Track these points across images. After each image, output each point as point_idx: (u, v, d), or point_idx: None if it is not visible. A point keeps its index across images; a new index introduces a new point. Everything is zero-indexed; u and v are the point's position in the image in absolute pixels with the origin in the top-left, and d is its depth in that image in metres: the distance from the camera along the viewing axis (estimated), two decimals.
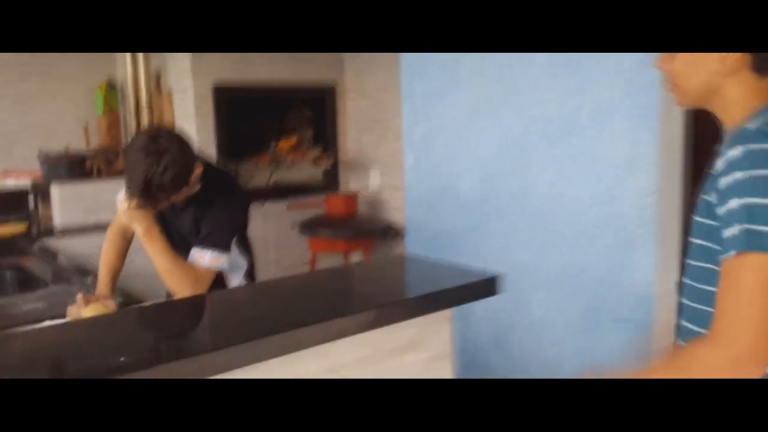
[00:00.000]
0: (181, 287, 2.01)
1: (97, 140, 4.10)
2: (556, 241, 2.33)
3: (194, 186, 2.07)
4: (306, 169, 4.25)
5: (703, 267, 1.20)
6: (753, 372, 1.04)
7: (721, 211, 1.09)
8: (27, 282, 2.70)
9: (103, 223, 3.45)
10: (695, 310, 1.24)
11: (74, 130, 4.04)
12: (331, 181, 4.36)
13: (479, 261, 2.99)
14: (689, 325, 1.26)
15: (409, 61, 2.87)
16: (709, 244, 1.16)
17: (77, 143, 3.86)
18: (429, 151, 2.69)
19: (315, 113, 4.40)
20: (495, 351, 2.59)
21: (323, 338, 1.18)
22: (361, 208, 4.13)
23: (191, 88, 3.75)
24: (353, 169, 4.39)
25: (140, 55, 3.78)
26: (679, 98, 1.28)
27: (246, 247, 2.36)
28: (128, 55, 3.80)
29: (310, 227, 3.95)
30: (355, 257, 4.26)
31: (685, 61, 1.21)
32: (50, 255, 3.02)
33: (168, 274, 2.01)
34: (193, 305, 1.45)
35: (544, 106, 2.29)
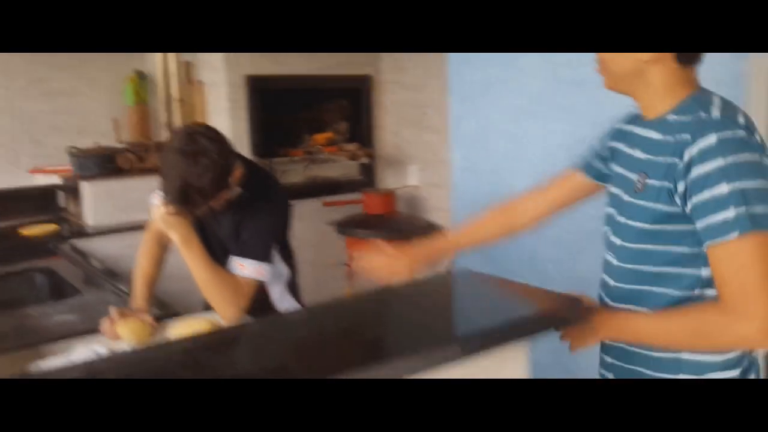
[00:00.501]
0: (221, 300, 1.87)
1: (127, 134, 3.97)
2: None
3: (234, 188, 1.92)
4: (341, 165, 4.09)
5: (635, 248, 1.26)
6: None
7: (700, 197, 1.11)
8: (58, 287, 2.58)
9: (136, 222, 3.32)
10: (628, 291, 1.29)
11: (104, 124, 3.91)
12: (367, 177, 4.20)
13: (533, 271, 2.82)
14: (618, 305, 1.32)
15: None
16: (653, 226, 1.21)
17: (107, 139, 3.73)
18: (479, 148, 2.51)
19: (351, 106, 4.23)
20: (558, 370, 2.41)
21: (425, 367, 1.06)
22: (399, 205, 3.96)
23: (224, 80, 3.60)
24: (390, 165, 4.22)
25: None
26: (607, 81, 1.31)
27: (288, 255, 2.21)
28: None
29: (346, 226, 3.79)
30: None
31: None
32: (81, 257, 2.89)
33: (208, 285, 1.87)
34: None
35: (604, 107, 2.10)
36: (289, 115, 4.12)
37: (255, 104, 3.68)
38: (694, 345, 1.22)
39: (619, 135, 1.41)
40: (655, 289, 1.25)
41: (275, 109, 3.88)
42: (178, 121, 3.68)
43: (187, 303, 2.22)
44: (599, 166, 1.52)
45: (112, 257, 3.17)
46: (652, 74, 1.24)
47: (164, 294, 2.20)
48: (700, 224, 1.14)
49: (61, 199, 3.61)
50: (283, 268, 2.14)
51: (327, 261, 4.07)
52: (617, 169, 1.37)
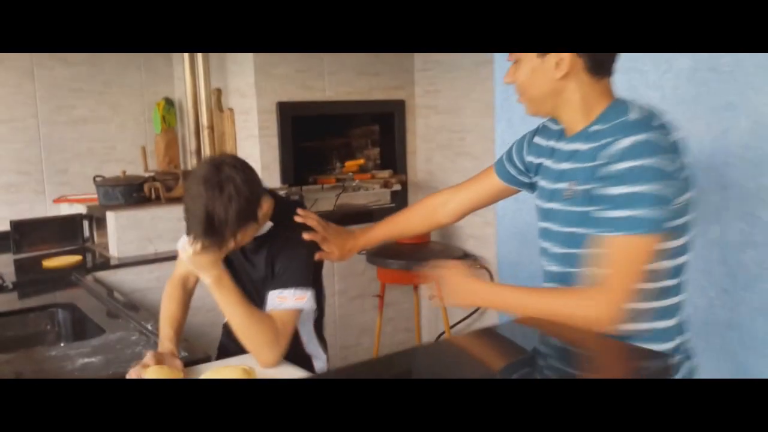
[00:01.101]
0: (259, 342, 1.72)
1: (154, 162, 3.87)
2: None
3: (264, 223, 1.80)
4: (372, 192, 3.95)
5: (574, 253, 1.32)
6: (620, 318, 1.24)
7: (602, 192, 1.22)
8: (80, 324, 2.45)
9: (162, 254, 3.21)
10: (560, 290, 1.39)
11: (131, 152, 3.82)
12: (398, 204, 4.05)
13: None
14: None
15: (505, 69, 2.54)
16: (587, 230, 1.27)
17: (134, 167, 3.63)
18: None
19: (382, 131, 4.10)
20: None
21: None
22: (433, 234, 3.81)
23: (255, 107, 3.49)
24: (423, 192, 4.07)
25: (200, 71, 3.54)
26: (529, 108, 1.39)
27: (319, 292, 2.06)
28: (187, 71, 3.57)
29: (378, 256, 3.64)
30: (426, 290, 3.93)
31: (526, 72, 1.33)
32: (105, 290, 2.77)
33: (244, 327, 1.72)
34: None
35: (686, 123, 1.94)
36: (318, 142, 4.00)
37: (285, 131, 3.57)
38: (552, 318, 1.31)
39: (539, 151, 1.49)
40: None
41: (305, 135, 3.77)
42: (207, 149, 3.57)
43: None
44: (511, 171, 1.64)
45: (137, 290, 3.06)
46: (569, 91, 1.31)
47: (191, 336, 2.07)
48: (596, 215, 1.25)
49: (86, 229, 3.50)
50: (313, 307, 1.99)
51: (357, 291, 3.92)
52: (543, 183, 1.44)
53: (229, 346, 2.00)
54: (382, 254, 3.63)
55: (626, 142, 1.20)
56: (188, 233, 1.68)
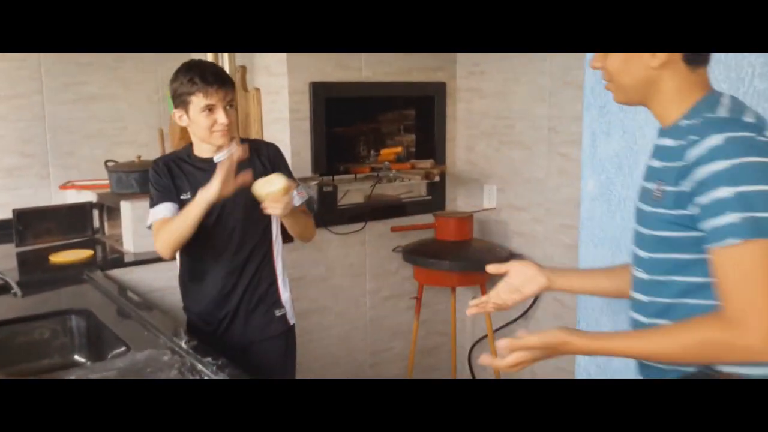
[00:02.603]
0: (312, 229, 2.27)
1: (169, 145, 3.52)
2: None
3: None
4: (406, 183, 3.61)
5: (663, 258, 1.23)
6: None
7: (703, 200, 1.10)
8: (96, 333, 2.13)
9: None
10: (658, 305, 1.25)
11: (146, 134, 3.46)
12: (436, 198, 3.71)
13: None
14: (652, 320, 1.27)
15: None
16: (678, 234, 1.18)
17: (150, 151, 3.28)
18: (623, 175, 2.02)
19: (419, 116, 3.75)
20: None
21: None
22: (475, 230, 3.47)
23: (285, 86, 3.14)
24: (462, 184, 3.74)
25: None
26: (618, 96, 1.32)
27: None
28: None
29: (416, 254, 3.31)
30: (468, 293, 3.62)
31: (619, 59, 1.25)
32: (120, 292, 2.44)
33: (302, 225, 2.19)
34: None
35: None
36: (354, 127, 3.66)
37: (318, 114, 3.22)
38: (698, 361, 1.20)
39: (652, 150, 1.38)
40: (688, 301, 1.22)
41: (340, 120, 3.43)
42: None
43: None
44: None
45: (156, 290, 2.73)
46: (664, 81, 1.24)
47: None
48: (702, 227, 1.13)
49: (96, 219, 3.16)
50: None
51: (390, 291, 3.60)
52: (642, 183, 1.34)
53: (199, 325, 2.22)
54: (420, 252, 3.31)
55: (716, 139, 1.10)
56: (206, 83, 1.96)
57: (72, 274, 2.61)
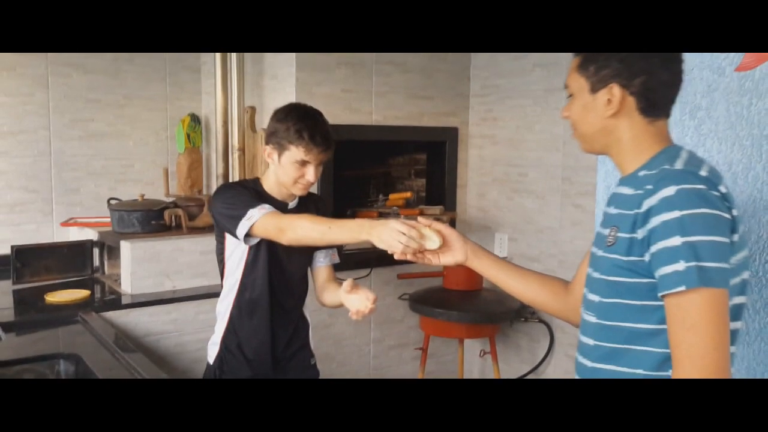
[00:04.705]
0: None
1: (175, 185, 3.47)
2: None
3: None
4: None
5: (613, 303, 1.24)
6: None
7: (654, 248, 1.14)
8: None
9: (181, 293, 2.80)
10: (606, 350, 1.27)
11: (151, 173, 3.42)
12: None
13: None
14: (596, 365, 1.29)
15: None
16: (628, 280, 1.20)
17: (154, 190, 3.24)
18: None
19: (431, 161, 3.69)
20: None
21: None
22: (484, 281, 3.37)
23: None
24: (474, 232, 3.65)
25: (233, 86, 3.16)
26: (582, 145, 1.37)
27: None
28: (219, 86, 3.19)
29: (423, 303, 3.21)
30: (477, 345, 3.50)
31: (578, 108, 1.32)
32: (115, 336, 2.35)
33: None
34: None
35: None
36: (359, 171, 3.60)
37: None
38: None
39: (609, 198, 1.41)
40: (634, 347, 1.23)
41: (347, 163, 3.36)
42: (236, 172, 3.17)
43: None
44: None
45: (151, 334, 2.65)
46: (621, 131, 1.28)
47: None
48: (656, 274, 1.15)
49: (96, 257, 3.10)
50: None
51: (395, 341, 3.49)
52: (598, 229, 1.37)
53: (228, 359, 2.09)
54: (427, 302, 3.21)
55: (670, 190, 1.13)
56: (312, 142, 1.91)
57: (66, 314, 2.54)
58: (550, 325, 3.27)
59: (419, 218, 1.63)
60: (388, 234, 1.59)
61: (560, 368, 3.22)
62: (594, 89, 1.28)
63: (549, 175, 3.21)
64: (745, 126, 1.70)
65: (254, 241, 1.95)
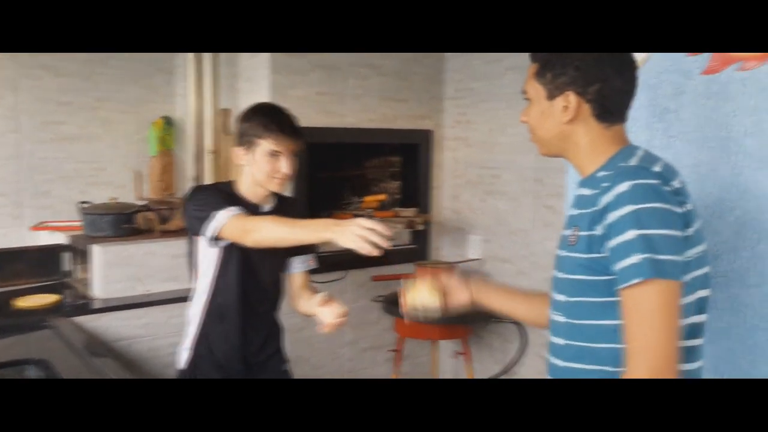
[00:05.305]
0: None
1: (147, 188, 3.44)
2: None
3: None
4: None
5: (578, 302, 1.27)
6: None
7: (612, 243, 1.16)
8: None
9: (153, 297, 2.77)
10: (574, 348, 1.28)
11: (122, 176, 3.38)
12: (420, 245, 3.64)
13: None
14: (568, 364, 1.30)
15: None
16: (591, 278, 1.23)
17: (125, 194, 3.20)
18: None
19: (406, 163, 3.70)
20: None
21: None
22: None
23: None
24: (448, 233, 3.67)
25: (207, 89, 3.14)
26: (540, 148, 1.40)
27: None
28: (192, 88, 3.17)
29: (398, 305, 3.20)
30: (450, 345, 3.51)
31: (535, 113, 1.35)
32: (85, 341, 2.33)
33: None
34: None
35: None
36: (334, 173, 3.59)
37: (301, 159, 3.14)
38: None
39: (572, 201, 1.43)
40: (601, 345, 1.24)
41: (321, 165, 3.36)
42: (209, 175, 3.15)
43: None
44: None
45: (123, 339, 2.62)
46: (578, 136, 1.31)
47: None
48: (614, 269, 1.17)
49: (67, 261, 3.06)
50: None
51: (369, 343, 3.49)
52: (562, 232, 1.38)
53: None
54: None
55: (625, 186, 1.16)
56: (280, 131, 1.93)
57: (36, 319, 2.51)
58: (523, 326, 3.29)
59: (417, 281, 1.65)
60: (351, 232, 1.59)
61: (532, 368, 3.24)
62: (551, 96, 1.32)
63: (521, 177, 3.24)
64: (712, 128, 1.72)
65: (222, 243, 1.94)
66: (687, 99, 1.75)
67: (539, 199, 3.16)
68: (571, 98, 1.29)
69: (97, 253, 2.76)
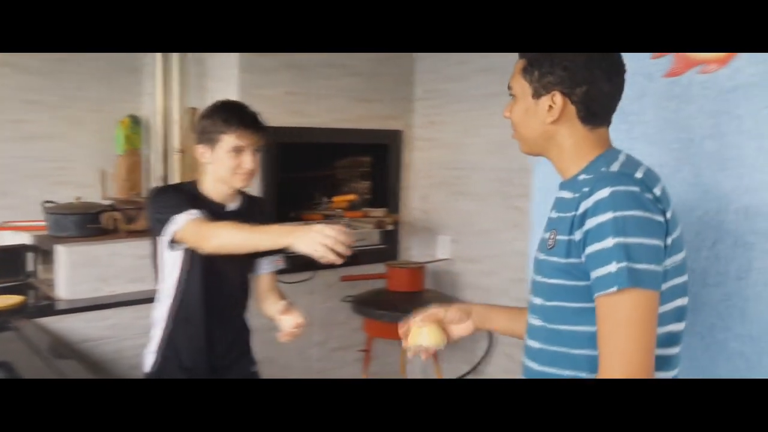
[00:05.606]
0: None
1: (114, 187, 3.40)
2: None
3: None
4: (359, 231, 3.53)
5: (555, 306, 1.25)
6: None
7: (591, 248, 1.15)
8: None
9: (118, 298, 2.74)
10: (550, 353, 1.27)
11: (88, 176, 3.34)
12: (390, 246, 3.64)
13: None
14: (543, 368, 1.29)
15: None
16: (569, 282, 1.21)
17: (91, 193, 3.16)
18: None
19: (376, 164, 3.70)
20: None
21: None
22: (426, 281, 3.40)
23: None
24: (417, 234, 3.68)
25: (174, 88, 3.12)
26: (522, 146, 1.39)
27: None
28: (159, 87, 3.14)
29: (366, 305, 3.22)
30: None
31: (520, 111, 1.32)
32: (49, 343, 2.29)
33: None
34: None
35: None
36: (303, 173, 3.59)
37: (270, 159, 3.14)
38: None
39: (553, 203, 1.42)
40: (577, 351, 1.23)
41: (289, 165, 3.35)
42: (176, 175, 3.13)
43: None
44: None
45: (88, 340, 2.59)
46: (562, 137, 1.30)
47: None
48: (591, 276, 1.16)
49: (31, 262, 3.01)
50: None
51: (338, 343, 3.49)
52: (542, 234, 1.36)
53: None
54: (371, 303, 3.21)
55: (604, 192, 1.15)
56: (242, 125, 1.90)
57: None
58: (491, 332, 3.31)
59: (419, 319, 1.58)
60: (310, 238, 1.59)
61: (499, 367, 3.27)
62: (536, 94, 1.30)
63: (489, 177, 3.26)
64: (674, 130, 1.75)
65: (181, 246, 1.92)
66: (649, 101, 1.78)
67: (507, 200, 3.19)
68: (557, 98, 1.27)
69: (62, 253, 2.72)
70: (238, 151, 1.91)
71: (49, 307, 2.63)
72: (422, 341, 1.57)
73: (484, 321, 1.61)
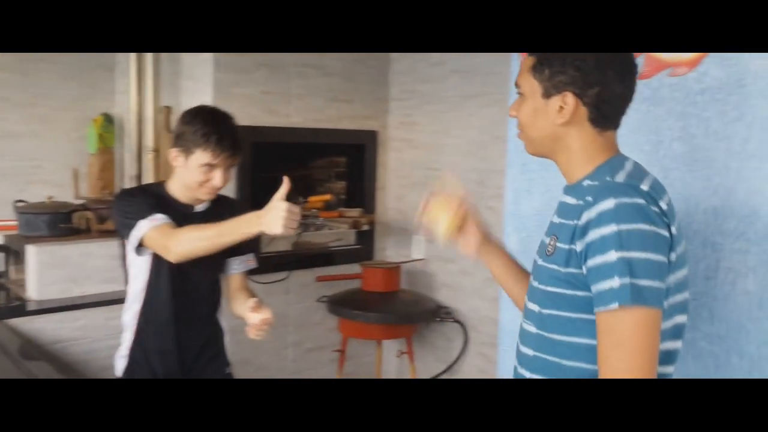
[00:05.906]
0: None
1: (86, 187, 3.36)
2: None
3: None
4: (335, 231, 3.53)
5: (551, 315, 1.22)
6: None
7: (593, 261, 1.11)
8: None
9: (89, 299, 2.71)
10: (542, 361, 1.24)
11: (60, 175, 3.30)
12: (365, 246, 3.65)
13: None
14: (534, 376, 1.26)
15: None
16: (567, 292, 1.18)
17: (63, 192, 3.12)
18: (541, 230, 1.99)
19: (351, 164, 3.70)
20: None
21: None
22: (402, 281, 3.41)
23: None
24: (392, 234, 3.69)
25: (148, 86, 3.09)
26: (527, 147, 1.33)
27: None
28: (133, 85, 3.11)
29: (341, 305, 3.22)
30: (395, 345, 3.53)
31: (528, 110, 1.27)
32: (19, 344, 2.26)
33: None
34: None
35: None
36: (278, 173, 3.56)
37: (245, 158, 3.12)
38: None
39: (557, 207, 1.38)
40: (571, 363, 1.20)
41: (265, 165, 3.34)
42: (150, 174, 3.10)
43: None
44: None
45: (59, 341, 2.57)
46: (571, 139, 1.25)
47: None
48: (592, 289, 1.13)
49: (1, 262, 2.97)
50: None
51: (313, 344, 3.49)
52: (543, 237, 1.33)
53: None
54: (346, 304, 3.22)
55: (608, 204, 1.11)
56: (219, 144, 1.85)
57: None
58: (465, 325, 3.33)
59: (443, 200, 1.51)
60: (278, 218, 1.63)
61: (474, 366, 3.28)
62: (547, 94, 1.25)
63: (464, 179, 3.23)
64: (644, 132, 1.78)
65: (147, 252, 1.89)
66: None
67: (482, 201, 3.20)
68: (568, 99, 1.22)
69: (33, 253, 2.69)
70: (210, 167, 1.88)
71: (20, 308, 2.60)
72: (437, 223, 1.49)
73: (487, 253, 1.52)
